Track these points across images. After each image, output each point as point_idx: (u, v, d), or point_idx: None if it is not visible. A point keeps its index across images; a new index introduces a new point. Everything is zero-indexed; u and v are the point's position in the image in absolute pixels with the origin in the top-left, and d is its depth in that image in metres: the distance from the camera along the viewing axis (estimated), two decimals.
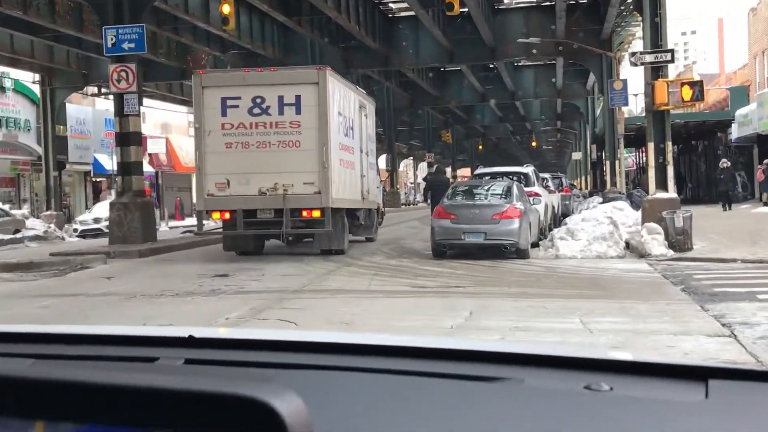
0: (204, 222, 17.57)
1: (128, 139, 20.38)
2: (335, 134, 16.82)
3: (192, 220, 44.48)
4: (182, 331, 1.61)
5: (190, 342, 1.58)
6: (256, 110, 16.39)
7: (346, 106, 18.10)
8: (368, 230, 20.74)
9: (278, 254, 17.51)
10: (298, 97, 16.33)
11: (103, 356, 1.54)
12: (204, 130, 16.52)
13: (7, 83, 35.28)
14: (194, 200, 19.12)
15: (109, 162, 36.54)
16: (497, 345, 2.05)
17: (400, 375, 1.35)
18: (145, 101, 33.82)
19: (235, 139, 16.42)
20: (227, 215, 16.56)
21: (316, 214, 16.39)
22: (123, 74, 19.68)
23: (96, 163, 40.61)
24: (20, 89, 35.90)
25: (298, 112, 16.32)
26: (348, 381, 1.33)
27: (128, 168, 20.42)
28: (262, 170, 16.29)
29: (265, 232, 16.87)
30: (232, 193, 16.39)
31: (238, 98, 16.39)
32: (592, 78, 40.10)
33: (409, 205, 62.45)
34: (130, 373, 0.86)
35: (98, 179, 42.56)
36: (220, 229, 17.76)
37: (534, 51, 32.97)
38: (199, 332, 1.62)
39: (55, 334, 1.68)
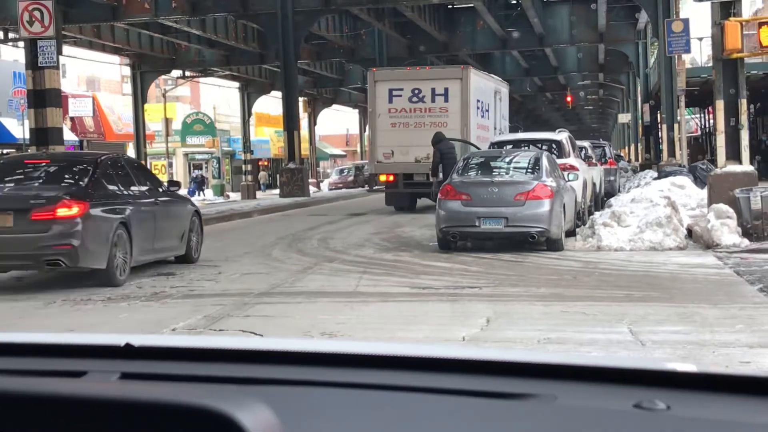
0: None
1: (44, 98, 20.33)
2: (474, 117, 27.11)
3: None
4: (116, 339, 1.64)
5: (127, 352, 1.61)
6: (414, 99, 26.85)
7: (483, 93, 28.69)
8: None
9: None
10: (446, 89, 26.75)
11: (11, 370, 1.56)
12: (376, 114, 27.24)
13: None
14: None
15: (19, 128, 36.42)
16: (523, 354, 2.07)
17: (402, 392, 1.36)
18: (66, 49, 33.65)
19: (398, 120, 26.96)
20: (391, 177, 27.17)
21: None
22: (37, 14, 19.57)
23: (1, 129, 40.46)
24: None
25: (446, 100, 26.71)
26: (335, 400, 1.34)
27: (44, 136, 20.38)
28: (418, 144, 25.53)
29: (419, 191, 26.37)
30: (395, 161, 26.97)
31: (401, 89, 26.93)
32: (644, 17, 39.97)
33: None
34: (58, 382, 0.88)
35: (4, 150, 42.47)
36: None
37: None
38: (139, 340, 1.65)
39: None
